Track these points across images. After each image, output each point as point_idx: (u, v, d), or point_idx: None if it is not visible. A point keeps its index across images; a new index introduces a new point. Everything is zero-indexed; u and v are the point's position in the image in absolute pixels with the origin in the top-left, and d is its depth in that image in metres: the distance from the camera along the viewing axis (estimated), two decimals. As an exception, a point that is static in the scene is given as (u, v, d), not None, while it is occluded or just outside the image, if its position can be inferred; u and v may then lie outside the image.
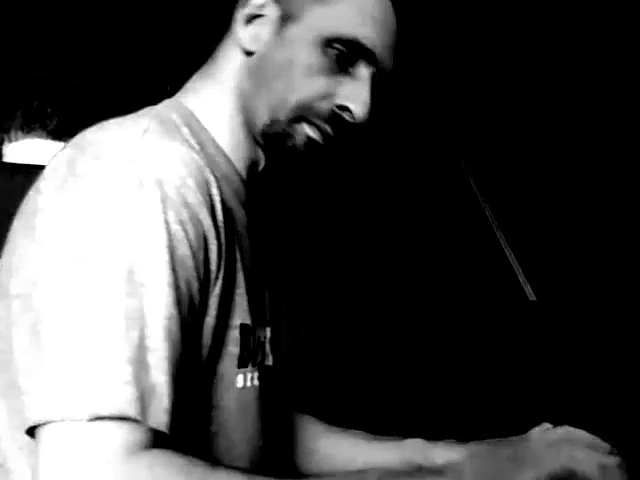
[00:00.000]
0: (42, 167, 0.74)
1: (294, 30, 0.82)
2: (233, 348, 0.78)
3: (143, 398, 0.59)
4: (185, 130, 0.79)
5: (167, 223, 0.66)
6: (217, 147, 0.84)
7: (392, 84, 0.91)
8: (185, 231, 0.67)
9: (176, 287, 0.64)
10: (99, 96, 2.45)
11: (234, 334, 0.78)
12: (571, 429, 0.84)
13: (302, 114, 0.83)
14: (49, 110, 2.79)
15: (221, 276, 0.74)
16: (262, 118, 0.84)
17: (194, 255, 0.68)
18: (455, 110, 2.70)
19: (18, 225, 0.73)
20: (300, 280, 2.69)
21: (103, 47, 2.68)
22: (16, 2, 2.66)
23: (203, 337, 0.72)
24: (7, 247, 0.73)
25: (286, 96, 0.82)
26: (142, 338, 0.60)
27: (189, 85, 0.89)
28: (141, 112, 0.80)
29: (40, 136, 2.78)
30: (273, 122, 0.84)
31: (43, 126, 2.75)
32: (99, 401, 0.57)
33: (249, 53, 0.84)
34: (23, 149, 2.78)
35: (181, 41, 2.23)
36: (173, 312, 0.63)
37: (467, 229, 2.70)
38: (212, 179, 0.75)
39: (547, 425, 0.88)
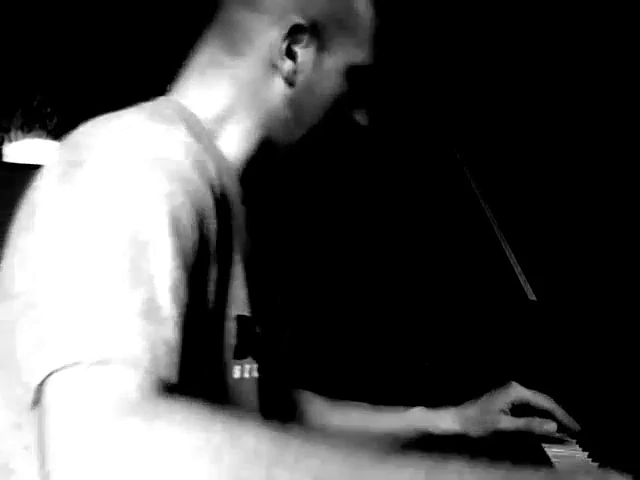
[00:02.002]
0: (42, 167, 0.74)
1: (329, 62, 0.86)
2: (229, 339, 0.78)
3: (154, 350, 0.57)
4: (181, 125, 0.79)
5: (170, 194, 0.66)
6: (212, 143, 0.84)
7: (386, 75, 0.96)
8: (189, 204, 0.67)
9: (180, 253, 0.64)
10: (99, 96, 2.45)
11: (231, 325, 0.78)
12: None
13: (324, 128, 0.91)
14: (49, 110, 2.79)
15: (217, 260, 0.74)
16: (296, 139, 0.90)
17: (198, 228, 0.68)
18: (450, 100, 2.70)
19: (17, 227, 0.73)
20: (295, 280, 2.69)
21: (103, 47, 2.68)
22: (16, 2, 2.65)
23: (202, 323, 0.71)
24: (7, 250, 0.73)
25: (320, 122, 0.89)
26: (150, 297, 0.59)
27: (186, 89, 0.89)
28: (134, 108, 0.80)
29: (40, 136, 2.78)
30: (300, 142, 0.91)
31: (43, 126, 2.75)
32: (110, 345, 0.56)
33: (291, 83, 0.86)
34: (23, 149, 2.78)
35: (181, 41, 2.23)
36: (179, 276, 0.63)
37: (467, 229, 2.70)
38: (211, 163, 0.76)
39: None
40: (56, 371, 0.55)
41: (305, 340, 2.73)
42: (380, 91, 0.96)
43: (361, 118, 0.93)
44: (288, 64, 0.85)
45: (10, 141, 2.85)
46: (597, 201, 2.36)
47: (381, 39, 0.89)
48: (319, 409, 1.08)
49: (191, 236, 0.67)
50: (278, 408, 0.98)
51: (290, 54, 0.85)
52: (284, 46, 0.84)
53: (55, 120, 2.71)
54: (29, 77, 2.77)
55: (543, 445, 1.11)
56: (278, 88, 0.86)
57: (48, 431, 0.53)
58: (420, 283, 2.72)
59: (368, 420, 1.07)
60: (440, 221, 2.73)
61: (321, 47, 0.86)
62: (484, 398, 1.13)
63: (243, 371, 0.81)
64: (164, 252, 0.62)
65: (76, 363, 0.55)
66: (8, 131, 2.83)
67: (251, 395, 0.83)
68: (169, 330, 0.59)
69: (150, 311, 0.59)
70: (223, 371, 0.78)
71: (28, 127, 2.82)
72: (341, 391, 2.52)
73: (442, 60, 2.62)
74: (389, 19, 0.90)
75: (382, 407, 1.10)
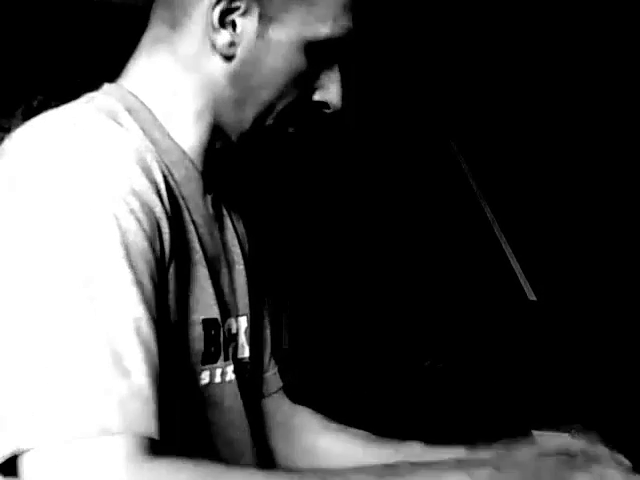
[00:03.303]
0: None
1: (277, 34, 0.76)
2: (196, 344, 0.74)
3: (125, 406, 0.54)
4: (124, 115, 0.73)
5: (116, 218, 0.61)
6: (163, 131, 0.78)
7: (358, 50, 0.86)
8: (138, 221, 0.63)
9: (139, 284, 0.60)
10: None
11: (197, 330, 0.74)
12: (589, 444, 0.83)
13: (285, 117, 0.81)
14: (49, 110, 2.79)
15: (173, 267, 0.69)
16: (245, 125, 0.80)
17: (151, 245, 0.64)
18: (445, 91, 2.70)
19: None
20: (290, 280, 2.69)
21: (103, 47, 2.68)
22: (16, 3, 2.65)
23: (166, 338, 0.66)
24: None
25: (274, 104, 0.80)
26: (113, 348, 0.56)
27: (132, 70, 0.82)
28: (75, 102, 0.74)
29: (40, 136, 2.77)
30: (257, 128, 0.81)
31: (43, 126, 2.75)
32: (80, 416, 0.53)
33: (228, 57, 0.77)
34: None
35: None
36: (140, 311, 0.59)
37: (467, 229, 2.70)
38: (155, 164, 0.70)
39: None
40: (29, 448, 0.53)
41: (305, 340, 2.73)
42: (350, 70, 0.84)
43: (328, 99, 0.81)
44: (223, 35, 0.75)
45: (10, 141, 2.85)
46: (597, 201, 2.36)
47: (357, 14, 0.79)
48: (314, 428, 1.02)
49: (146, 259, 0.62)
50: (258, 410, 0.95)
51: (227, 25, 0.76)
52: (216, 15, 0.74)
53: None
54: (29, 77, 2.77)
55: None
56: (219, 63, 0.77)
57: None
58: (420, 283, 2.72)
59: (358, 451, 0.96)
60: (440, 221, 2.73)
61: (266, 17, 0.75)
62: (501, 448, 0.95)
63: (213, 376, 0.76)
64: (120, 292, 0.58)
65: (51, 441, 0.52)
66: (8, 131, 2.83)
67: (231, 399, 0.79)
68: (140, 375, 0.56)
69: (115, 362, 0.55)
70: (195, 379, 0.74)
71: (28, 127, 2.81)
72: (341, 391, 2.51)
73: (437, 50, 2.61)
74: None
75: (378, 438, 1.02)
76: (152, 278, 0.63)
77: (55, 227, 0.59)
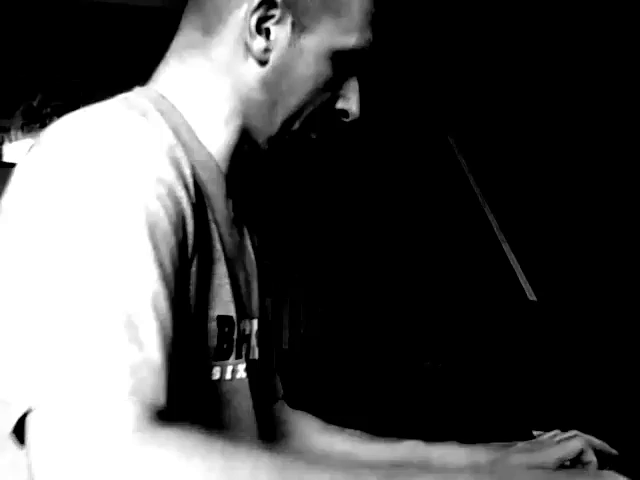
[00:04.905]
0: (15, 169, 0.70)
1: (308, 42, 0.81)
2: (209, 340, 0.75)
3: (137, 373, 0.54)
4: (156, 114, 0.75)
5: (143, 200, 0.63)
6: (192, 133, 0.81)
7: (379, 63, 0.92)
8: (164, 207, 0.64)
9: (160, 263, 0.61)
10: (99, 96, 2.45)
11: (212, 326, 0.76)
12: (579, 433, 0.84)
13: (310, 122, 0.85)
14: (49, 110, 2.79)
15: (196, 261, 0.71)
16: (274, 129, 0.84)
17: (175, 232, 0.65)
18: (443, 87, 2.70)
19: None
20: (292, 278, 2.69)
21: (103, 47, 2.68)
22: (17, 3, 2.66)
23: (184, 328, 0.67)
24: None
25: (301, 109, 0.84)
26: (129, 315, 0.56)
27: (164, 74, 0.85)
28: (107, 101, 0.76)
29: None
30: (284, 132, 0.85)
31: (43, 126, 2.75)
32: (92, 377, 0.53)
33: (262, 62, 0.81)
34: (23, 149, 2.78)
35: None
36: (159, 287, 0.60)
37: (467, 229, 2.70)
38: (185, 159, 0.72)
39: (556, 431, 0.88)
40: (38, 407, 0.53)
41: (305, 340, 2.73)
42: (371, 80, 0.91)
43: (348, 107, 0.87)
44: (258, 41, 0.80)
45: (10, 141, 2.86)
46: (597, 201, 2.36)
47: (375, 27, 0.84)
48: (313, 431, 1.03)
49: (169, 243, 0.64)
50: (270, 409, 0.96)
51: (262, 32, 0.80)
52: (253, 22, 0.79)
53: (55, 120, 2.71)
54: (29, 77, 2.77)
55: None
56: (252, 68, 0.82)
57: (38, 463, 0.52)
58: (420, 283, 2.72)
59: (355, 451, 0.97)
60: (440, 221, 2.73)
61: (299, 25, 0.80)
62: (498, 448, 0.95)
63: (224, 372, 0.78)
64: (141, 268, 0.59)
65: (60, 398, 0.53)
66: (8, 131, 2.83)
67: (241, 397, 0.80)
68: (154, 349, 0.57)
69: (130, 333, 0.56)
70: (206, 374, 0.75)
71: (28, 127, 2.82)
72: (341, 391, 2.51)
73: (436, 46, 2.61)
74: (383, 6, 0.85)
75: (376, 437, 1.03)
76: (173, 263, 0.64)
77: (84, 205, 0.61)
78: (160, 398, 0.55)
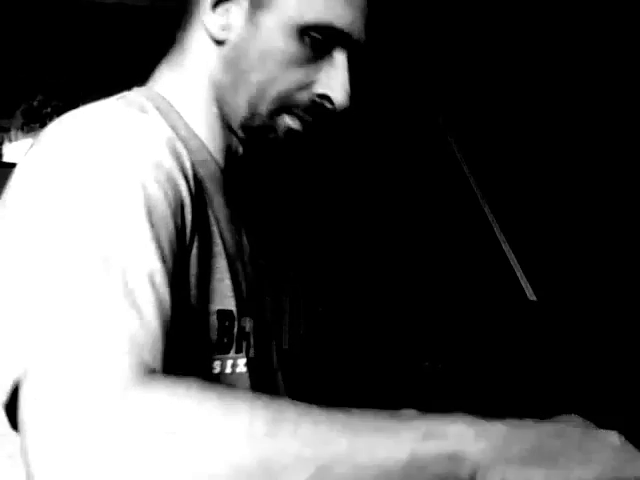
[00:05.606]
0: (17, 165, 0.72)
1: (267, 18, 0.79)
2: (211, 334, 0.75)
3: (135, 338, 0.54)
4: (154, 112, 0.76)
5: (142, 183, 0.63)
6: (190, 130, 0.81)
7: (369, 55, 0.88)
8: (162, 190, 0.64)
9: (157, 241, 0.61)
10: (99, 96, 2.45)
11: (212, 320, 0.75)
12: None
13: (282, 105, 0.82)
14: (49, 110, 2.79)
15: (195, 251, 0.71)
16: (241, 112, 0.82)
17: (173, 216, 0.65)
18: (442, 84, 2.69)
19: None
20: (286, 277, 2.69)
21: (103, 47, 2.68)
22: (17, 4, 2.66)
23: (183, 318, 0.67)
24: None
25: (265, 88, 0.81)
26: (125, 285, 0.56)
27: (157, 75, 0.86)
28: (110, 98, 0.77)
29: (40, 136, 2.77)
30: (253, 115, 0.82)
31: (43, 126, 2.75)
32: (87, 335, 0.53)
33: (220, 42, 0.81)
34: (23, 149, 2.78)
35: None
36: (156, 264, 0.60)
37: (467, 229, 2.70)
38: (185, 153, 0.72)
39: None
40: (32, 368, 0.53)
41: (305, 340, 2.73)
42: (369, 75, 0.88)
43: (330, 93, 0.82)
44: (215, 19, 0.80)
45: (10, 141, 2.86)
46: (597, 201, 2.36)
47: (356, 8, 0.80)
48: None
49: (167, 225, 0.64)
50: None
51: (220, 11, 0.80)
52: (210, 1, 0.80)
53: (55, 120, 2.71)
54: (29, 77, 2.77)
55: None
56: (215, 49, 0.82)
57: (32, 424, 0.51)
58: (419, 283, 2.72)
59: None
60: (440, 221, 2.73)
61: (256, 2, 0.79)
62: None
63: (224, 367, 0.77)
64: (139, 241, 0.59)
65: (55, 357, 0.52)
66: (8, 131, 2.83)
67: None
68: (148, 316, 0.56)
69: (127, 297, 0.56)
70: (207, 367, 0.75)
71: (28, 127, 2.82)
72: (341, 391, 2.51)
73: (433, 41, 2.61)
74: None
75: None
76: (171, 245, 0.64)
77: (82, 187, 0.61)
78: (157, 362, 0.55)
